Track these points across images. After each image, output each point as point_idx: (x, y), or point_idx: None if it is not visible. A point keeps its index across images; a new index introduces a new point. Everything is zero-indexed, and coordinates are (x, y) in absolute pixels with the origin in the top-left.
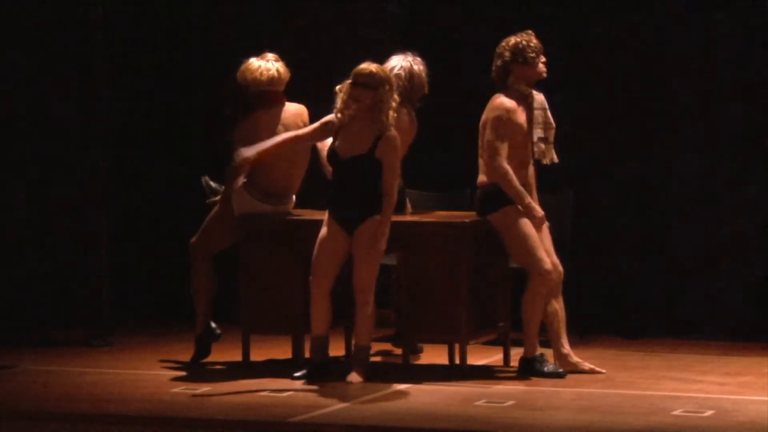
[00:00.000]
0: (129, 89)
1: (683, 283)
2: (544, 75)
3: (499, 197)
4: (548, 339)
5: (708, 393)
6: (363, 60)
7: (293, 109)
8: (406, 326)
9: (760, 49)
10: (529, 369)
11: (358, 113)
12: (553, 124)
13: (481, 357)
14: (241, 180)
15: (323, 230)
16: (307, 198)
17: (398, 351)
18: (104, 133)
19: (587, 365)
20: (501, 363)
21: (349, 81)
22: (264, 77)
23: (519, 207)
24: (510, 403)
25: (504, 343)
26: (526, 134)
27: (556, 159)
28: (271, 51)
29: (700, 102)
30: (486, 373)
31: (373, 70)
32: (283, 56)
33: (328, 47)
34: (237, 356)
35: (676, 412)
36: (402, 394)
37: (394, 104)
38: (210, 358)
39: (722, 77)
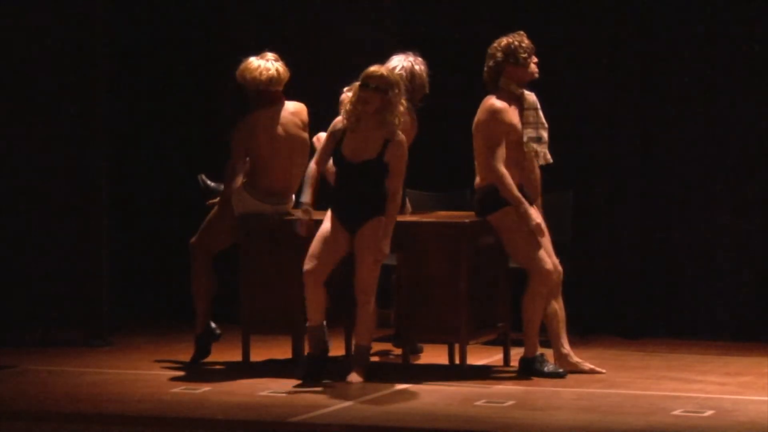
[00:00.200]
0: (129, 89)
1: (683, 283)
2: (536, 75)
3: (498, 198)
4: (548, 339)
5: (708, 393)
6: (363, 60)
7: (291, 108)
8: (406, 326)
9: (760, 49)
10: (529, 369)
11: (366, 116)
12: (546, 124)
13: (481, 357)
14: (241, 180)
15: (325, 225)
16: None
17: (398, 351)
18: (104, 133)
19: (587, 365)
20: (501, 363)
21: (357, 83)
22: (263, 77)
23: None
24: (510, 403)
25: (504, 343)
26: (519, 135)
27: (550, 159)
28: (271, 51)
29: (700, 102)
30: (486, 373)
31: (384, 73)
32: (283, 56)
33: (328, 47)
34: (237, 356)
35: (676, 412)
36: (402, 394)
37: (402, 108)
38: (210, 358)
39: (722, 77)
